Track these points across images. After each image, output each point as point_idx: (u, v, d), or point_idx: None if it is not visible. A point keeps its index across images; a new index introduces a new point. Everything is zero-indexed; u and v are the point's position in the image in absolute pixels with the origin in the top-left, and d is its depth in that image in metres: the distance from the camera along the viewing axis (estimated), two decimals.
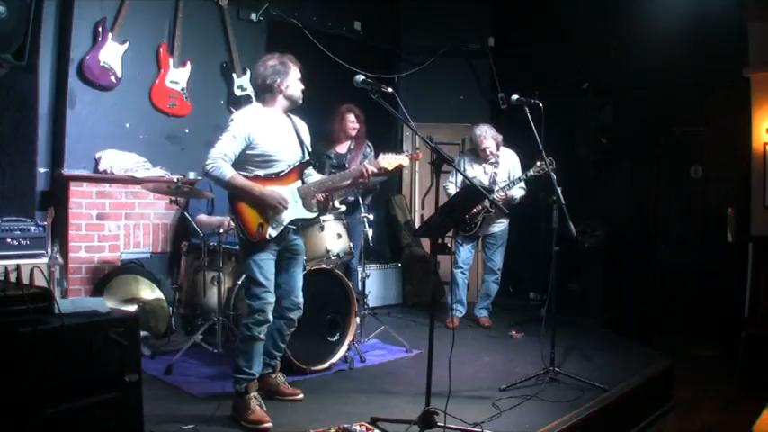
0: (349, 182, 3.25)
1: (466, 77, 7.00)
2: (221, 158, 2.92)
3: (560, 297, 4.04)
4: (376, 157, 3.18)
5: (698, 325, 5.42)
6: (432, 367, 2.83)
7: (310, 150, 3.26)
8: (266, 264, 3.04)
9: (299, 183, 3.16)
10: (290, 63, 3.13)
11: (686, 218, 5.83)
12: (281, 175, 3.09)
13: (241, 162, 3.02)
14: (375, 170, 3.19)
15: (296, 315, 3.24)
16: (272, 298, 3.06)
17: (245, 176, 3.00)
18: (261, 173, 3.05)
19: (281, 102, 3.13)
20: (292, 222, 3.11)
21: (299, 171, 3.17)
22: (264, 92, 3.12)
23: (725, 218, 5.37)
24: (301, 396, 3.31)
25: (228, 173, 2.92)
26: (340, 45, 6.07)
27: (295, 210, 3.11)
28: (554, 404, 3.30)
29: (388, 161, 3.22)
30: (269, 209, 3.00)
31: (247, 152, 3.01)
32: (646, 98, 5.91)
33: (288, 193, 3.08)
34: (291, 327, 3.28)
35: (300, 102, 3.19)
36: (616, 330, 5.22)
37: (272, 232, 3.02)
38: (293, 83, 3.12)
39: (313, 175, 3.29)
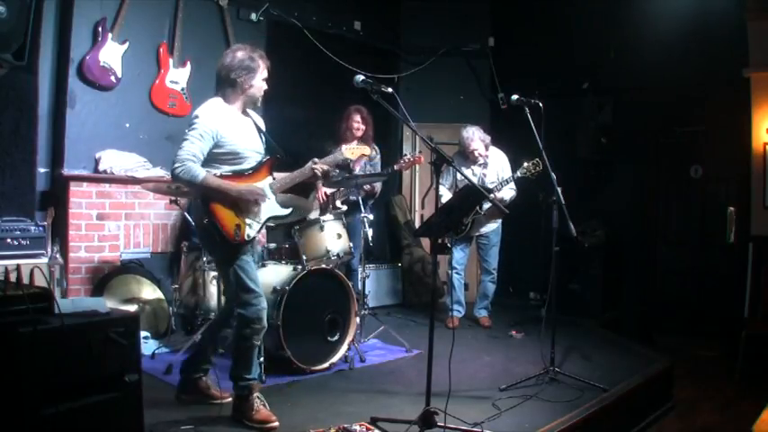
0: (306, 178, 3.18)
1: (466, 77, 7.00)
2: (190, 160, 2.77)
3: (560, 297, 4.04)
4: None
5: (698, 325, 5.42)
6: (432, 367, 2.82)
7: (274, 144, 3.14)
8: (250, 267, 2.95)
9: (270, 179, 3.06)
10: (259, 60, 2.96)
11: (686, 218, 5.83)
12: (251, 171, 2.98)
13: (208, 160, 2.88)
14: (326, 168, 3.17)
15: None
16: (264, 302, 2.97)
17: (215, 175, 2.86)
18: (230, 170, 2.92)
19: (242, 100, 2.98)
20: (268, 220, 3.03)
21: (269, 166, 3.07)
22: (226, 86, 2.96)
23: (725, 218, 5.37)
24: (230, 399, 3.09)
25: (200, 174, 2.78)
26: (340, 45, 6.07)
27: (270, 207, 3.03)
28: (554, 404, 3.30)
29: (352, 151, 3.32)
30: (249, 205, 2.89)
31: (215, 150, 2.87)
32: (646, 98, 5.91)
33: (262, 188, 2.98)
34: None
35: (259, 103, 3.07)
36: (616, 330, 5.22)
37: (250, 232, 2.93)
38: (258, 83, 2.98)
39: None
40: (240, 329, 2.95)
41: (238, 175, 2.94)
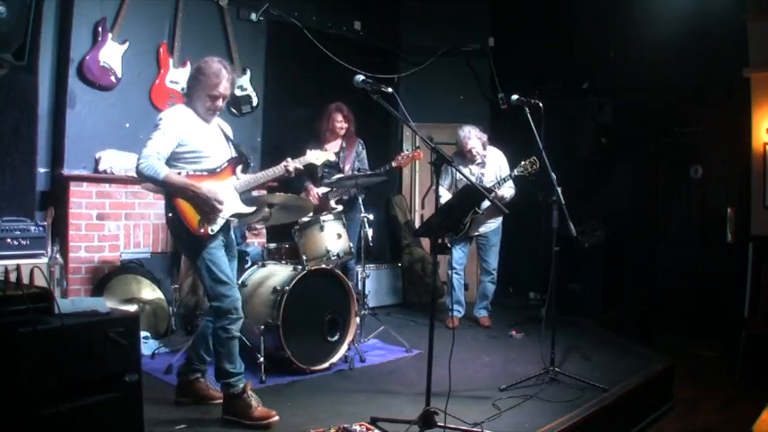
0: (271, 180, 3.31)
1: (466, 77, 7.00)
2: (154, 156, 2.88)
3: (560, 297, 4.04)
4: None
5: (698, 325, 5.42)
6: (432, 367, 2.82)
7: (241, 149, 3.26)
8: (220, 259, 3.01)
9: (233, 179, 3.15)
10: (221, 73, 3.04)
11: (686, 218, 5.83)
12: (217, 171, 3.08)
13: (171, 160, 2.99)
14: (299, 166, 3.33)
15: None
16: (238, 293, 3.05)
17: (178, 174, 2.96)
18: (191, 169, 3.01)
19: (200, 109, 3.08)
20: (231, 216, 3.11)
21: (233, 167, 3.16)
22: (189, 94, 3.11)
23: (725, 218, 5.37)
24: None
25: (162, 171, 2.87)
26: (340, 45, 6.07)
27: (233, 204, 3.10)
28: (554, 404, 3.30)
29: (315, 156, 3.41)
30: (204, 207, 2.95)
31: (177, 149, 2.98)
32: (646, 98, 5.91)
33: (224, 188, 3.06)
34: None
35: (215, 115, 3.14)
36: (616, 330, 5.21)
37: (213, 227, 2.99)
38: (213, 96, 3.04)
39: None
40: (219, 322, 3.00)
41: (200, 174, 3.03)
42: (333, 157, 3.52)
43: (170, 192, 2.95)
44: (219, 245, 3.06)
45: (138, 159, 2.89)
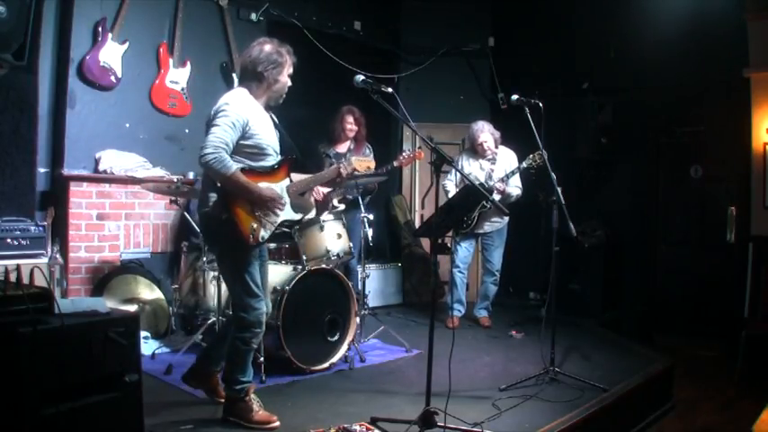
0: (327, 181, 3.27)
1: (466, 77, 7.00)
2: (224, 149, 2.65)
3: (560, 297, 4.04)
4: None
5: (698, 325, 5.41)
6: (432, 367, 2.82)
7: (291, 144, 3.10)
8: (256, 269, 2.88)
9: (287, 180, 2.98)
10: (286, 55, 2.89)
11: (686, 218, 5.82)
12: (273, 169, 2.89)
13: (232, 152, 2.76)
14: (351, 171, 3.29)
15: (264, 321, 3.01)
16: (265, 306, 2.93)
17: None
18: (251, 165, 2.81)
19: (267, 94, 2.92)
20: (281, 224, 2.94)
21: (288, 167, 2.98)
22: (252, 79, 2.87)
23: (725, 218, 5.36)
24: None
25: (232, 167, 2.66)
26: (340, 45, 6.07)
27: (286, 210, 2.93)
28: (554, 404, 3.30)
29: (359, 163, 3.40)
30: (263, 210, 2.79)
31: (241, 141, 2.76)
32: (646, 98, 5.90)
33: (279, 191, 2.90)
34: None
35: (282, 100, 3.00)
36: (616, 330, 5.22)
37: (264, 234, 2.82)
38: (284, 78, 2.92)
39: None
40: (240, 332, 2.89)
41: (258, 172, 2.83)
42: (373, 164, 3.58)
43: (230, 191, 2.72)
44: (258, 254, 2.91)
45: (205, 149, 2.62)
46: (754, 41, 5.06)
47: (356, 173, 3.43)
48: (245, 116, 2.75)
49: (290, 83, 2.98)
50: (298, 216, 3.05)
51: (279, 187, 2.91)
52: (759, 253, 4.93)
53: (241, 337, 2.89)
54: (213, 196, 2.80)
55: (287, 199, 2.95)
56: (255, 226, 2.79)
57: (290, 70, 2.96)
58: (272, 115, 3.04)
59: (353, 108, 4.92)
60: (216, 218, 2.77)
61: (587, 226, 5.87)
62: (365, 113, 5.00)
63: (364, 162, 3.47)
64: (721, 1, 5.28)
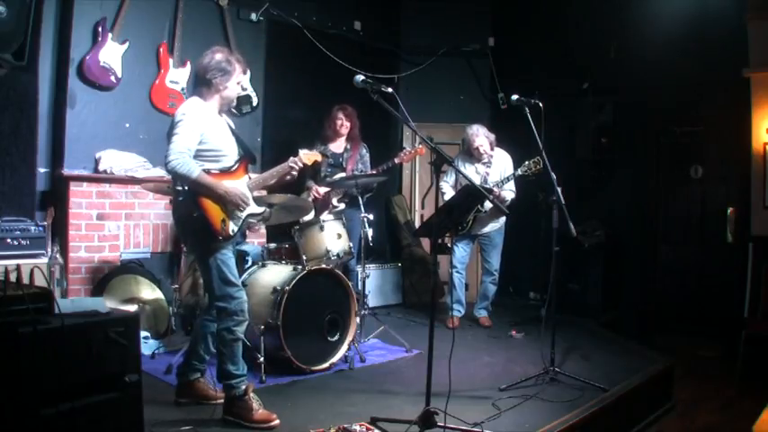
0: (278, 178, 3.28)
1: (466, 77, 7.00)
2: (186, 153, 2.83)
3: (560, 297, 4.05)
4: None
5: (698, 325, 5.41)
6: (432, 367, 2.82)
7: (247, 147, 3.24)
8: (231, 260, 3.02)
9: (246, 177, 3.15)
10: (236, 64, 3.04)
11: (686, 218, 5.82)
12: (232, 169, 3.05)
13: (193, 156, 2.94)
14: (300, 165, 3.29)
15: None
16: (245, 295, 3.05)
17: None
18: (211, 167, 2.98)
19: (217, 100, 3.05)
20: (248, 218, 3.11)
21: (245, 166, 3.15)
22: (202, 85, 3.02)
23: (725, 218, 5.36)
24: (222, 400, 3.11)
25: (196, 170, 2.84)
26: (340, 45, 6.07)
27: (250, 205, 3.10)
28: (554, 404, 3.30)
29: (307, 156, 3.38)
30: (230, 206, 2.97)
31: (198, 147, 2.93)
32: (646, 98, 5.90)
33: (242, 187, 3.06)
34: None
35: (233, 106, 3.17)
36: (616, 330, 5.22)
37: (233, 227, 3.00)
38: (233, 85, 3.05)
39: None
40: (224, 323, 2.99)
41: (222, 172, 3.01)
42: (320, 158, 3.57)
43: (197, 191, 2.89)
44: (232, 248, 3.08)
45: (168, 157, 2.81)
46: (754, 41, 5.06)
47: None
48: (200, 123, 2.93)
49: (240, 91, 3.15)
50: (261, 209, 3.21)
51: (238, 184, 3.06)
52: (759, 253, 4.93)
53: (225, 327, 2.99)
54: (182, 198, 2.96)
55: (249, 194, 3.09)
56: (225, 220, 2.97)
57: (241, 78, 3.10)
58: (228, 121, 3.19)
59: (345, 105, 4.93)
60: (188, 216, 2.94)
61: (587, 226, 5.87)
62: (365, 114, 5.00)
63: (312, 155, 3.47)
64: (721, 1, 5.28)
